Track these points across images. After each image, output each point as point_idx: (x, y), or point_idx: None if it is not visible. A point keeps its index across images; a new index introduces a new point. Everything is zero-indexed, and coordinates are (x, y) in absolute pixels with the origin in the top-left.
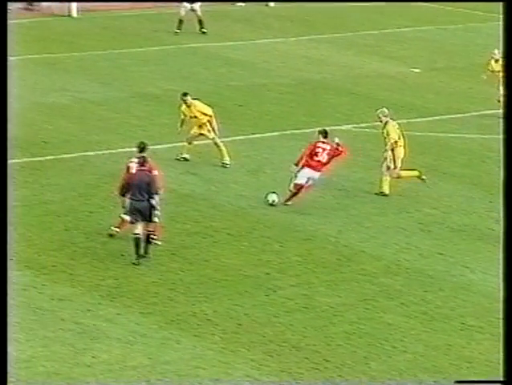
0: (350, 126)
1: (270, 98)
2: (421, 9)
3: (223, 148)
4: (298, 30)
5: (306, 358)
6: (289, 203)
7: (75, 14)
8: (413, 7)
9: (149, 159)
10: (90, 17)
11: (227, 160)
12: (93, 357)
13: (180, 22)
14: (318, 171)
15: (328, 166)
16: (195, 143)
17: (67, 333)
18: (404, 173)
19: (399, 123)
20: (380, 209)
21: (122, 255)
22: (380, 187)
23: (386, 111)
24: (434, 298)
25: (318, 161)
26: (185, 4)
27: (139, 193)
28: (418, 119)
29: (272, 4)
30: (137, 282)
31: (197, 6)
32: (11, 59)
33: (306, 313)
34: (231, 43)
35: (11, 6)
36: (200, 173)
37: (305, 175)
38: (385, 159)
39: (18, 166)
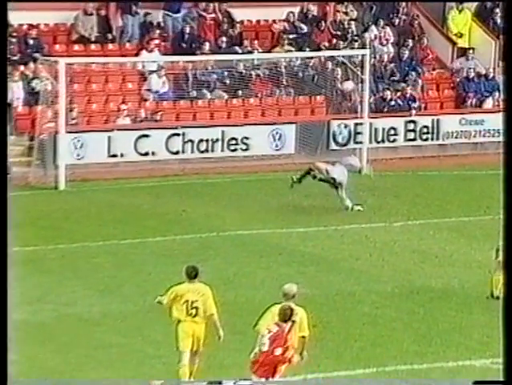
0: (487, 361)
1: (361, 314)
2: None
3: None
4: (405, 211)
5: None
6: None
7: (62, 185)
8: None
9: None
10: (86, 190)
11: None
12: None
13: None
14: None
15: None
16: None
17: None
18: None
19: None
20: None
21: None
22: None
23: (293, 289)
24: None
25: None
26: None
27: None
28: None
29: (365, 169)
30: None
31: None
32: None
33: None
34: (301, 230)
35: None
36: None
37: None
38: None
39: None
